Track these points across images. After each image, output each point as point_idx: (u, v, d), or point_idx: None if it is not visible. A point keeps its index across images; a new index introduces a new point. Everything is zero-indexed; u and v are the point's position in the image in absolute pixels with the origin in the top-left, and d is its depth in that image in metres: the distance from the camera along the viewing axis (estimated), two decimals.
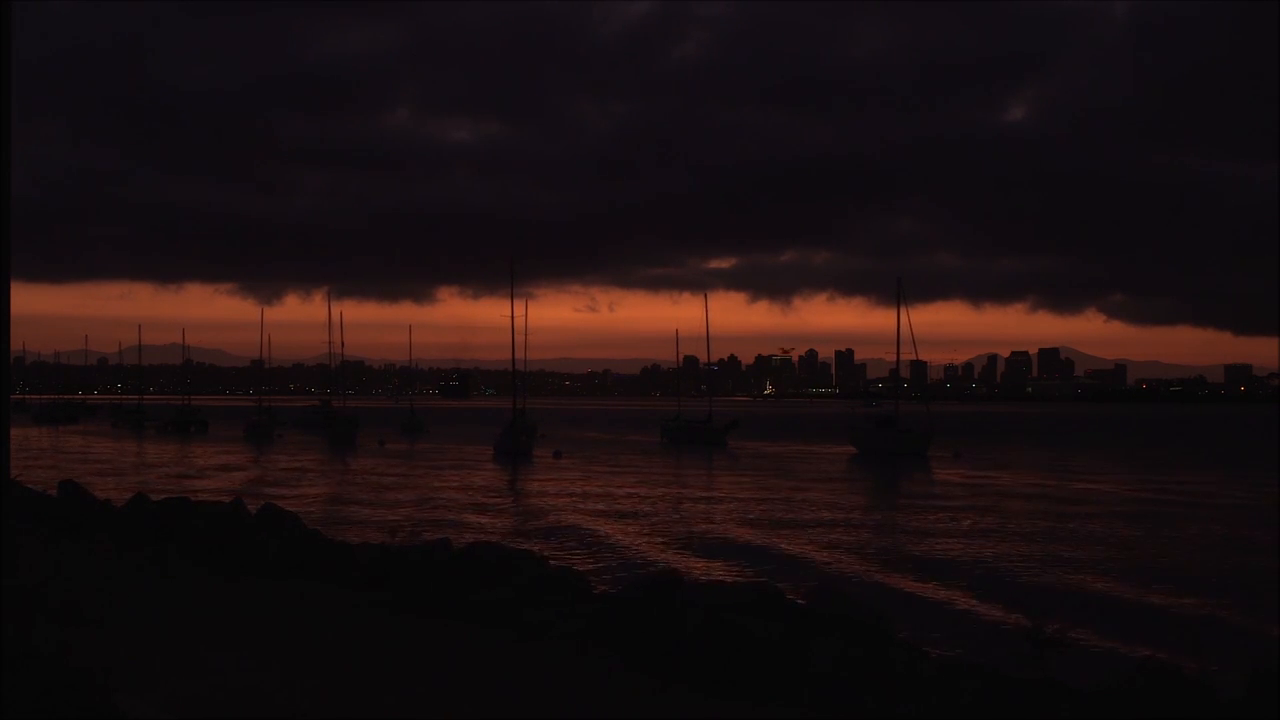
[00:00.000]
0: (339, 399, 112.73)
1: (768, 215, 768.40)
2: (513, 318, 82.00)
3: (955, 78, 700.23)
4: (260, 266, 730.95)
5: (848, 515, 37.07)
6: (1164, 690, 8.79)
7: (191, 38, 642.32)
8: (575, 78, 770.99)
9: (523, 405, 79.46)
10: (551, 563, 16.13)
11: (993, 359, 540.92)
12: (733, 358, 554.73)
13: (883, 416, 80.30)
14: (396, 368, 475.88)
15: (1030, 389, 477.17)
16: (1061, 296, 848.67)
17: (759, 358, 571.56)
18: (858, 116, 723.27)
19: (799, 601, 12.56)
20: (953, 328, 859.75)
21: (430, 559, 15.28)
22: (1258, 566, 26.25)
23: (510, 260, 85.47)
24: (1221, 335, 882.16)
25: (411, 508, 38.38)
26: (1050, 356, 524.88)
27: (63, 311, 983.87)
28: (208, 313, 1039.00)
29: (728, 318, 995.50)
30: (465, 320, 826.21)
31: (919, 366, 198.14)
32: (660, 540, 30.22)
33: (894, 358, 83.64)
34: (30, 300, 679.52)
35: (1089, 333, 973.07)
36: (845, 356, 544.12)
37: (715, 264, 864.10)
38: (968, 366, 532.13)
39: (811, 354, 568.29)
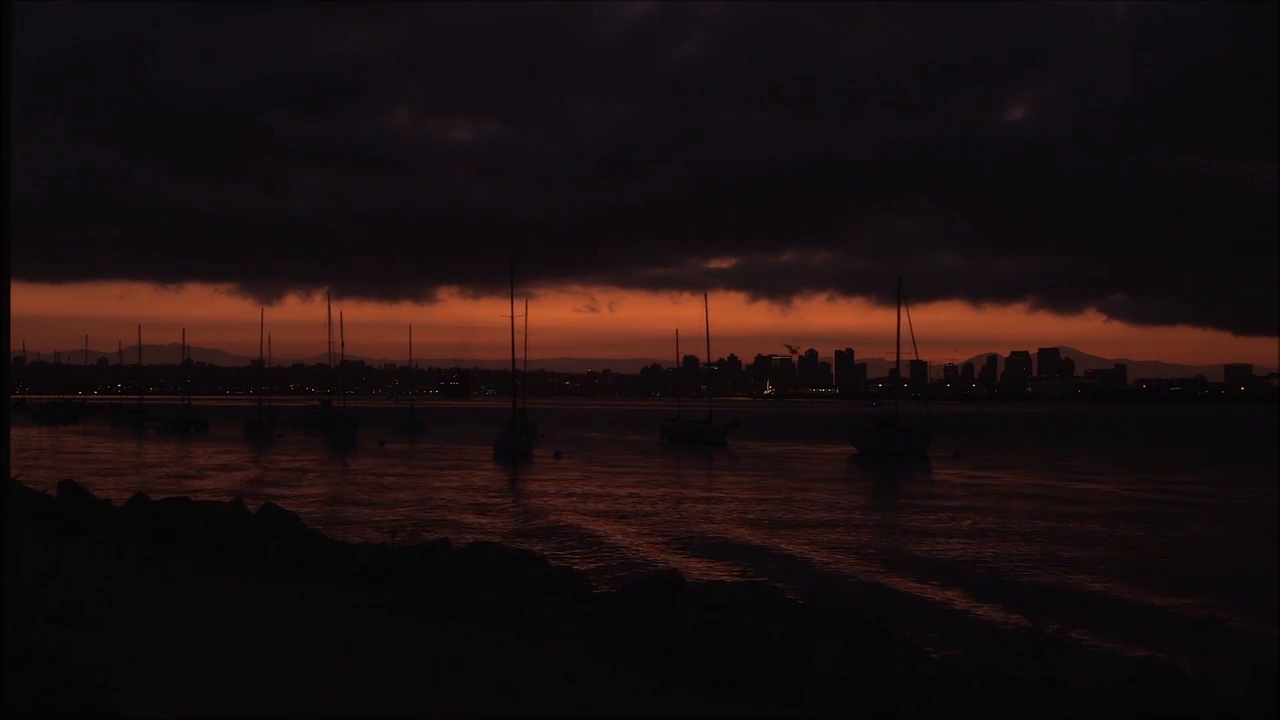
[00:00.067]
0: (339, 399, 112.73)
1: (768, 215, 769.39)
2: (512, 318, 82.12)
3: (955, 78, 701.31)
4: (260, 266, 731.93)
5: (848, 515, 37.07)
6: (1164, 690, 8.79)
7: (191, 38, 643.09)
8: (575, 78, 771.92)
9: (523, 405, 79.46)
10: (552, 563, 16.14)
11: (993, 359, 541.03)
12: (733, 358, 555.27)
13: (883, 416, 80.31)
14: (396, 368, 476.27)
15: (1030, 389, 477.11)
16: (1061, 296, 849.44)
17: (759, 358, 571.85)
18: (858, 116, 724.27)
19: (799, 601, 12.55)
20: (953, 328, 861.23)
21: (430, 559, 15.28)
22: (1258, 567, 26.25)
23: (510, 260, 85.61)
24: (1221, 335, 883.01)
25: (411, 508, 38.37)
26: (1050, 356, 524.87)
27: (63, 311, 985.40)
28: (208, 313, 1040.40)
29: (728, 318, 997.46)
30: (465, 320, 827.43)
31: (919, 366, 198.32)
32: (660, 540, 30.22)
33: (894, 358, 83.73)
34: (30, 300, 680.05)
35: (1089, 333, 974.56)
36: (845, 356, 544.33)
37: (715, 264, 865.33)
38: (968, 366, 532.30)
39: (811, 354, 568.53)
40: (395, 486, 47.58)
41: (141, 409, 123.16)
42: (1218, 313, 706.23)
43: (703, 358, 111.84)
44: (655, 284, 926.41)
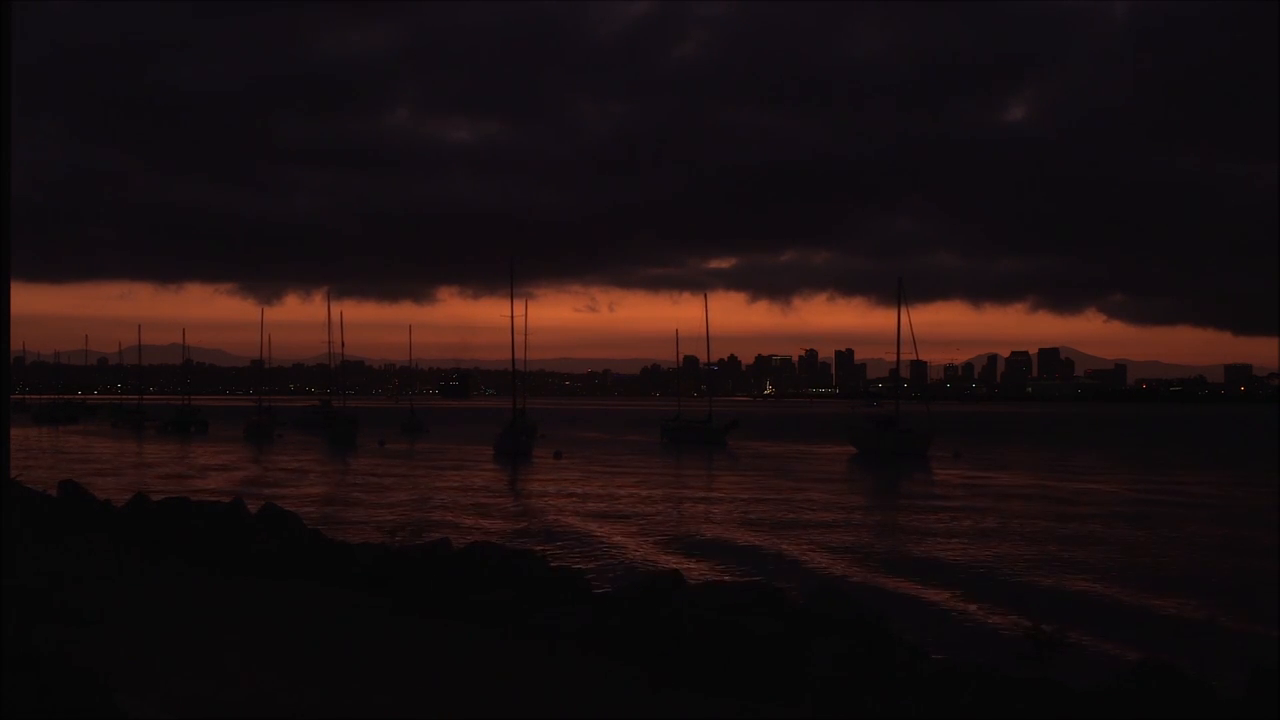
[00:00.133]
0: (339, 399, 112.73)
1: (768, 215, 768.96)
2: (512, 318, 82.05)
3: (955, 78, 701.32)
4: (260, 266, 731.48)
5: (848, 515, 37.07)
6: (1164, 690, 8.79)
7: (191, 38, 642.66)
8: (575, 78, 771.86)
9: (523, 405, 79.45)
10: (552, 563, 16.14)
11: (993, 359, 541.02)
12: (733, 358, 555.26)
13: (883, 416, 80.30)
14: (396, 368, 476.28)
15: (1030, 389, 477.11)
16: (1061, 296, 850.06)
17: (759, 358, 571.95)
18: (858, 116, 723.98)
19: (799, 602, 12.56)
20: (953, 328, 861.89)
21: (430, 559, 15.29)
22: (1258, 567, 26.24)
23: (510, 260, 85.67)
24: (1221, 335, 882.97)
25: (411, 508, 38.36)
26: (1050, 356, 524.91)
27: (63, 311, 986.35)
28: (208, 313, 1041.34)
29: (728, 318, 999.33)
30: (465, 320, 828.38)
31: (919, 366, 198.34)
32: (660, 540, 30.22)
33: (894, 358, 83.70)
34: (30, 300, 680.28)
35: (1089, 333, 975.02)
36: (845, 356, 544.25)
37: (715, 264, 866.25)
38: (968, 366, 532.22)
39: (811, 354, 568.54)
40: (395, 486, 47.57)
41: (141, 409, 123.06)
42: (1218, 313, 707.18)
43: (703, 358, 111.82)
44: (655, 284, 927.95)
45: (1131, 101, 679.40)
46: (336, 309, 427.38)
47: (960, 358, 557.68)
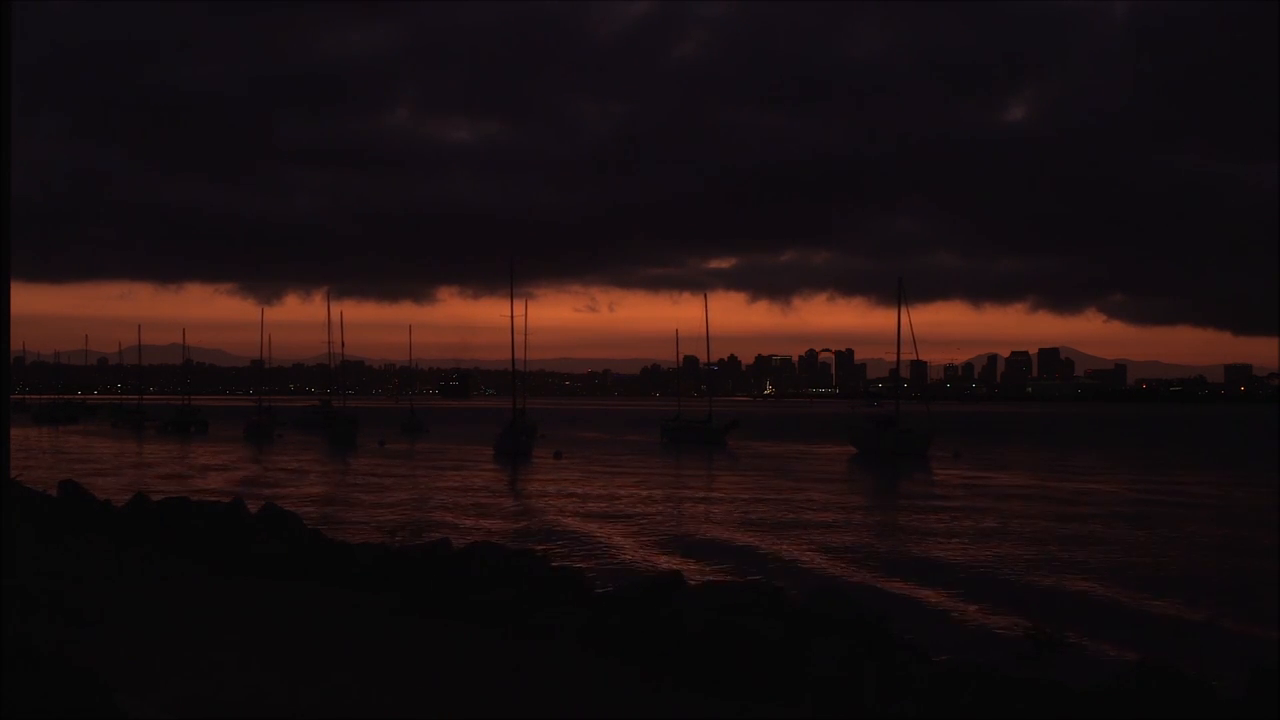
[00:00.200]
0: (339, 399, 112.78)
1: (768, 215, 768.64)
2: (512, 318, 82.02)
3: (955, 78, 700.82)
4: (260, 266, 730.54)
5: (848, 516, 37.07)
6: (1164, 690, 8.80)
7: (191, 38, 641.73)
8: (575, 78, 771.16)
9: (523, 405, 79.46)
10: (552, 563, 16.15)
11: (993, 359, 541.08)
12: (733, 358, 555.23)
13: (883, 416, 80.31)
14: (396, 368, 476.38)
15: (1030, 389, 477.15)
16: (1061, 296, 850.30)
17: (759, 358, 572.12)
18: (858, 116, 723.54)
19: (799, 602, 12.56)
20: (953, 328, 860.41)
21: (431, 559, 15.29)
22: (1258, 567, 26.24)
23: (510, 260, 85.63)
24: (1221, 335, 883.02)
25: (411, 508, 38.37)
26: (1050, 356, 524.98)
27: (63, 311, 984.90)
28: (208, 313, 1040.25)
29: (728, 318, 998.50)
30: (465, 320, 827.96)
31: (919, 366, 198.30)
32: (660, 541, 30.22)
33: (894, 358, 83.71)
34: (30, 300, 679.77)
35: (1089, 333, 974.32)
36: (845, 356, 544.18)
37: (715, 264, 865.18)
38: (968, 366, 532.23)
39: (811, 354, 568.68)
40: (395, 486, 47.58)
41: (141, 409, 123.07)
42: (1218, 313, 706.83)
43: (703, 358, 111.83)
44: (655, 284, 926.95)
45: (1131, 101, 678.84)
46: (336, 309, 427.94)
47: (960, 358, 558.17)
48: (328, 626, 12.38)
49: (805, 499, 42.64)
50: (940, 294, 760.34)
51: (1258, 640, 17.54)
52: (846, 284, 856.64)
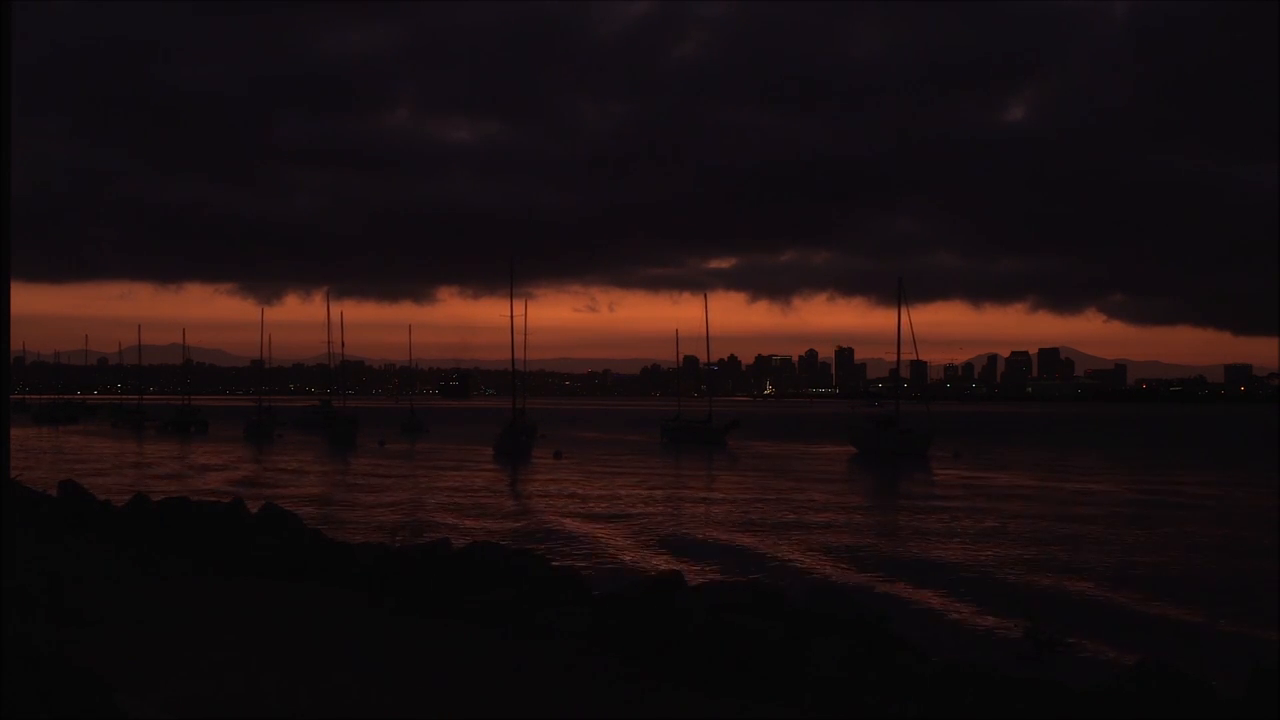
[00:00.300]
0: (339, 399, 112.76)
1: (768, 215, 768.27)
2: (512, 318, 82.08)
3: (955, 78, 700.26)
4: (260, 266, 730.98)
5: (848, 516, 37.07)
6: (1164, 690, 8.80)
7: (191, 38, 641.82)
8: (575, 78, 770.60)
9: (523, 405, 79.46)
10: (552, 563, 16.15)
11: (993, 359, 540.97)
12: (733, 358, 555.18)
13: (883, 416, 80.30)
14: (396, 368, 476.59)
15: (1030, 389, 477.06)
16: (1061, 296, 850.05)
17: (759, 358, 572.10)
18: (858, 116, 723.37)
19: (799, 602, 12.56)
20: (953, 328, 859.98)
21: (431, 559, 15.29)
22: (1258, 568, 26.24)
23: (510, 260, 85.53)
24: (1221, 335, 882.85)
25: (411, 508, 38.37)
26: (1050, 356, 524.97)
27: (63, 311, 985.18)
28: (208, 313, 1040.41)
29: (728, 318, 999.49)
30: (465, 320, 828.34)
31: (919, 366, 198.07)
32: (660, 541, 30.22)
33: (894, 358, 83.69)
34: (30, 300, 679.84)
35: (1089, 333, 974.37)
36: (845, 356, 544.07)
37: (715, 264, 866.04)
38: (968, 366, 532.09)
39: (811, 354, 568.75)
40: (395, 486, 47.58)
41: (141, 409, 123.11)
42: (1218, 313, 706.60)
43: (703, 358, 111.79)
44: (655, 284, 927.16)
45: (1131, 101, 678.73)
46: (336, 309, 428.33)
47: (960, 358, 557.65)
48: (328, 626, 12.38)
49: (805, 499, 42.64)
50: (940, 294, 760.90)
51: (1258, 640, 17.53)
52: (846, 284, 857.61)
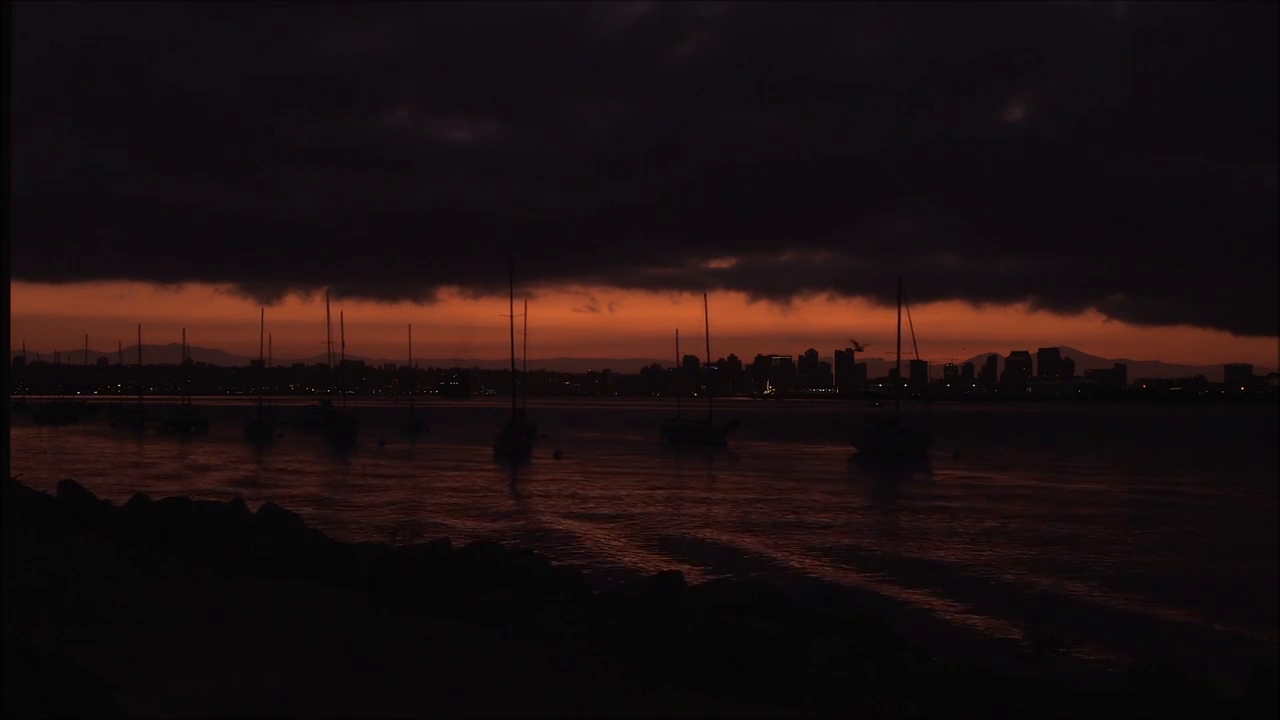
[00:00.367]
0: (339, 399, 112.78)
1: (768, 215, 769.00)
2: (512, 318, 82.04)
3: (955, 78, 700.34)
4: (260, 266, 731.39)
5: (848, 516, 37.08)
6: (1164, 690, 8.80)
7: (191, 38, 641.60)
8: (575, 78, 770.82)
9: (523, 405, 79.46)
10: (552, 563, 16.14)
11: (993, 359, 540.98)
12: (733, 358, 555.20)
13: (883, 416, 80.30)
14: (396, 368, 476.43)
15: (1030, 389, 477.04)
16: (1061, 296, 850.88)
17: (759, 358, 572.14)
18: (857, 116, 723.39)
19: (800, 602, 12.55)
20: (953, 328, 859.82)
21: (431, 559, 15.28)
22: (1258, 568, 26.24)
23: (510, 260, 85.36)
24: (1221, 335, 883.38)
25: (411, 507, 38.38)
26: (1050, 356, 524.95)
27: (63, 311, 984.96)
28: (208, 313, 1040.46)
29: (728, 318, 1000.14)
30: (465, 320, 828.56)
31: (919, 366, 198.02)
32: (660, 541, 30.23)
33: (894, 358, 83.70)
34: (30, 300, 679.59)
35: (1089, 333, 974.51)
36: (845, 356, 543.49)
37: (715, 264, 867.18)
38: (968, 366, 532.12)
39: (811, 354, 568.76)
40: (395, 486, 47.58)
41: (141, 409, 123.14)
42: (1218, 313, 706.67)
43: (703, 358, 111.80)
44: (655, 284, 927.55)
45: (1131, 101, 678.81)
46: (336, 309, 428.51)
47: (960, 358, 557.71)
48: (328, 626, 12.38)
49: (805, 499, 42.65)
50: (940, 294, 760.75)
51: (1258, 640, 17.53)
52: (846, 284, 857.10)
